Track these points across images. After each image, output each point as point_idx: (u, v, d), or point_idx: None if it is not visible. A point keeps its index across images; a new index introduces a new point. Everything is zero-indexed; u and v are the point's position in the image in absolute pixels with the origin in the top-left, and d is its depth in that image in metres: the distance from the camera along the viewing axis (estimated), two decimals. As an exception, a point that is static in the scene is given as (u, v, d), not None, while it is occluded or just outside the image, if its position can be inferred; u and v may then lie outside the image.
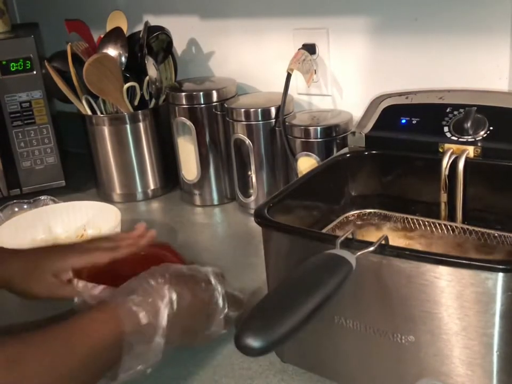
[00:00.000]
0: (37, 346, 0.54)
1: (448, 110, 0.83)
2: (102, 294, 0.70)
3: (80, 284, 0.73)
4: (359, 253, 0.58)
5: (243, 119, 1.10)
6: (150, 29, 1.23)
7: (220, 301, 0.70)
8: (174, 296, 0.65)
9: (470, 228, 0.79)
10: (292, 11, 1.14)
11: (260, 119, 1.09)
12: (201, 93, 1.16)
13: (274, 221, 0.68)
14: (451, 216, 0.81)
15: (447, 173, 0.79)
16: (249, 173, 1.14)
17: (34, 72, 1.25)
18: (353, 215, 0.87)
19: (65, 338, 0.57)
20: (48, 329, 0.57)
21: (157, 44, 1.25)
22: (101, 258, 0.75)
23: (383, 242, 0.58)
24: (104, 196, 1.31)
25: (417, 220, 0.83)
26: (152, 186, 1.30)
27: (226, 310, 0.71)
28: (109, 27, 1.24)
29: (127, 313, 0.61)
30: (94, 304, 0.64)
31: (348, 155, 0.87)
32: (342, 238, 0.59)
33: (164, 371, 0.75)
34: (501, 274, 0.54)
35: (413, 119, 0.85)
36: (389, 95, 0.90)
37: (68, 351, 0.56)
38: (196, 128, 1.17)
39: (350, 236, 0.61)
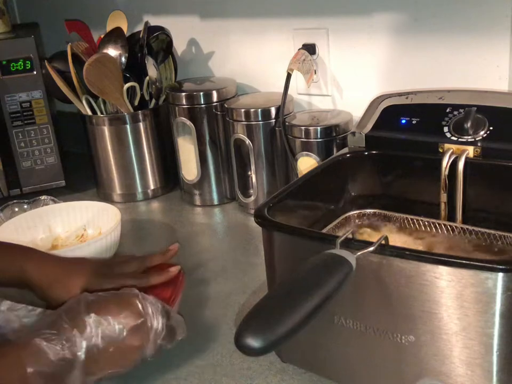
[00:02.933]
0: None
1: (448, 110, 0.83)
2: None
3: None
4: (359, 253, 0.58)
5: (243, 119, 1.10)
6: (150, 29, 1.23)
7: (154, 327, 0.67)
8: (95, 328, 0.62)
9: (470, 227, 0.79)
10: (291, 11, 1.14)
11: (259, 119, 1.09)
12: (201, 93, 1.16)
13: (274, 221, 0.68)
14: (451, 216, 0.81)
15: (447, 173, 0.79)
16: (249, 173, 1.14)
17: (34, 72, 1.25)
18: (353, 215, 0.87)
19: None
20: None
21: (157, 44, 1.25)
22: (127, 284, 0.73)
23: (383, 242, 0.58)
24: (104, 195, 1.31)
25: (417, 220, 0.83)
26: (152, 186, 1.30)
27: (162, 336, 0.68)
28: (109, 27, 1.24)
29: (33, 353, 0.59)
30: None
31: (348, 155, 0.87)
32: (342, 238, 0.59)
33: (163, 371, 0.75)
34: (501, 274, 0.54)
35: (413, 119, 0.85)
36: (389, 95, 0.90)
37: None
38: (195, 128, 1.17)
39: (350, 236, 0.61)
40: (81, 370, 0.61)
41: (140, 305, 0.66)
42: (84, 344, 0.61)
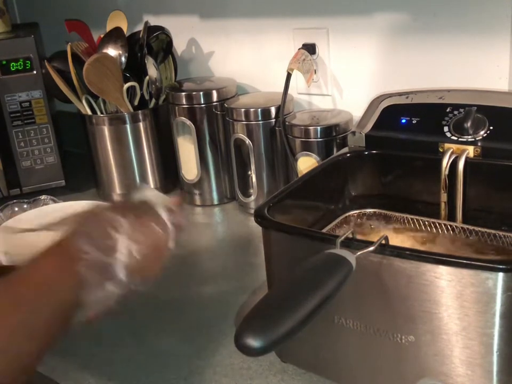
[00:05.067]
0: None
1: (448, 110, 0.83)
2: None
3: None
4: (359, 253, 0.58)
5: (243, 119, 1.10)
6: (150, 29, 1.23)
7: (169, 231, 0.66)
8: (131, 238, 0.61)
9: (470, 227, 0.79)
10: (292, 11, 1.14)
11: (259, 119, 1.09)
12: (201, 93, 1.16)
13: (274, 221, 0.68)
14: (451, 216, 0.81)
15: (447, 172, 0.79)
16: (249, 173, 1.14)
17: (34, 72, 1.25)
18: (353, 215, 0.87)
19: (11, 288, 0.54)
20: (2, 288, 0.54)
21: (157, 44, 1.25)
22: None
23: (383, 242, 0.58)
24: (104, 195, 1.31)
25: (417, 219, 0.83)
26: (152, 186, 1.30)
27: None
28: (109, 27, 1.24)
29: (85, 260, 0.58)
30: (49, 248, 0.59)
31: (347, 155, 0.87)
32: (342, 238, 0.59)
33: (164, 371, 0.75)
34: (501, 274, 0.54)
35: (413, 119, 0.85)
36: (389, 95, 0.90)
37: (24, 314, 0.53)
38: (195, 128, 1.17)
39: (350, 236, 0.61)
40: (123, 272, 0.60)
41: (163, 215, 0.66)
42: (124, 246, 0.60)
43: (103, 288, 0.59)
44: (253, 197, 1.15)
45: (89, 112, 1.25)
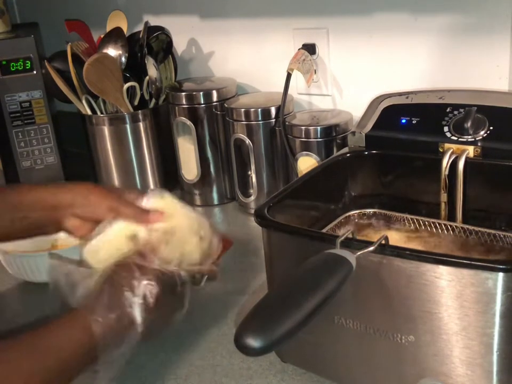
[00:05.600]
0: (7, 359, 0.54)
1: (448, 110, 0.83)
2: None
3: None
4: (359, 253, 0.58)
5: (243, 119, 1.10)
6: (150, 29, 1.23)
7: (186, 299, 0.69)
8: (148, 293, 0.63)
9: (470, 227, 0.79)
10: (292, 11, 1.14)
11: (260, 119, 1.09)
12: (201, 93, 1.16)
13: (274, 221, 0.68)
14: (451, 216, 0.81)
15: (447, 172, 0.79)
16: (249, 173, 1.14)
17: (34, 72, 1.25)
18: (353, 215, 0.87)
19: (35, 352, 0.56)
20: (18, 341, 0.56)
21: (157, 44, 1.25)
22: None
23: (383, 242, 0.58)
24: (104, 195, 1.31)
25: (417, 219, 0.83)
26: (152, 186, 1.30)
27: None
28: (109, 27, 1.24)
29: (98, 321, 0.60)
30: (63, 314, 0.61)
31: (347, 155, 0.87)
32: (342, 238, 0.59)
33: (164, 371, 0.75)
34: (501, 274, 0.54)
35: (413, 119, 0.85)
36: (389, 95, 0.90)
37: (39, 365, 0.56)
38: (195, 128, 1.17)
39: (350, 236, 0.61)
40: (138, 332, 0.62)
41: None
42: (139, 309, 0.62)
43: (118, 350, 0.61)
44: (253, 197, 1.15)
45: (89, 112, 1.25)
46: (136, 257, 0.67)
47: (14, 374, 0.53)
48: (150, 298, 0.63)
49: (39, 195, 0.73)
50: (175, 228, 0.70)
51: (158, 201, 0.72)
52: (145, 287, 0.63)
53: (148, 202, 0.72)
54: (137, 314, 0.62)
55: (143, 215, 0.70)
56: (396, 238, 0.81)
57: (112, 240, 0.69)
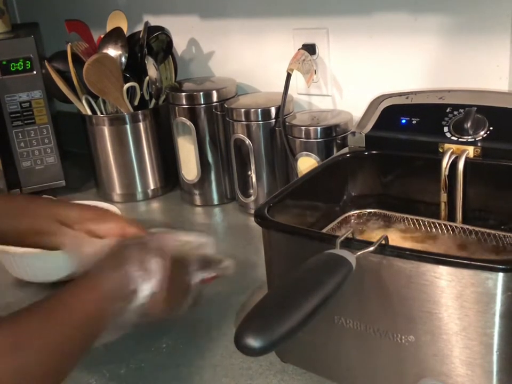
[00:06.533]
0: (30, 326, 0.55)
1: (448, 110, 0.83)
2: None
3: None
4: (359, 253, 0.58)
5: (243, 119, 1.10)
6: (150, 29, 1.23)
7: (194, 278, 0.70)
8: (155, 268, 0.64)
9: (470, 227, 0.79)
10: (292, 11, 1.14)
11: (260, 119, 1.09)
12: (201, 93, 1.16)
13: (274, 221, 0.68)
14: (451, 216, 0.81)
15: (447, 173, 0.79)
16: (249, 173, 1.14)
17: (34, 72, 1.25)
18: (353, 215, 0.87)
19: (51, 317, 0.57)
20: (34, 309, 0.57)
21: (157, 44, 1.25)
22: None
23: (383, 242, 0.58)
24: (104, 195, 1.31)
25: (417, 219, 0.83)
26: (152, 186, 1.30)
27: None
28: (109, 27, 1.24)
29: (109, 286, 0.61)
30: (79, 276, 0.63)
31: (348, 155, 0.87)
32: (342, 238, 0.59)
33: (164, 371, 0.75)
34: (501, 274, 0.54)
35: (413, 119, 0.85)
36: (389, 95, 0.90)
37: (55, 329, 0.56)
38: (196, 128, 1.17)
39: (350, 236, 0.61)
40: (142, 303, 0.63)
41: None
42: (151, 281, 0.63)
43: (125, 315, 0.62)
44: (253, 197, 1.15)
45: (89, 112, 1.25)
46: (149, 238, 0.69)
47: (33, 338, 0.54)
48: (157, 272, 0.63)
49: (47, 206, 0.76)
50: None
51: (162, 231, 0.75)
52: (155, 262, 0.64)
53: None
54: (141, 283, 0.62)
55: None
56: (395, 238, 0.81)
57: None
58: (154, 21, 1.27)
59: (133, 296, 0.62)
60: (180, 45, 1.34)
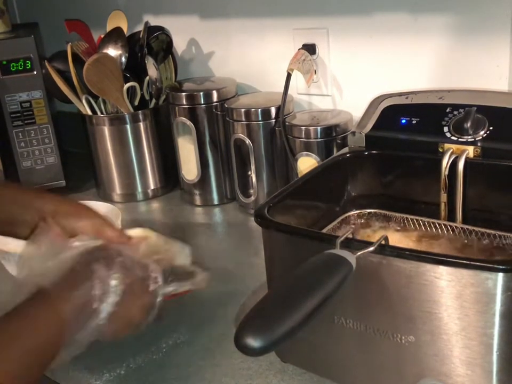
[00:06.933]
0: None
1: (448, 110, 0.83)
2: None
3: None
4: (359, 253, 0.58)
5: (243, 119, 1.10)
6: (150, 29, 1.23)
7: (159, 294, 0.68)
8: (117, 285, 0.63)
9: (470, 227, 0.79)
10: (292, 11, 1.14)
11: (260, 119, 1.09)
12: (201, 93, 1.16)
13: (274, 221, 0.68)
14: (451, 216, 0.81)
15: (447, 173, 0.79)
16: (249, 173, 1.14)
17: (34, 72, 1.25)
18: (353, 215, 0.87)
19: (12, 333, 0.57)
20: None
21: (157, 44, 1.25)
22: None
23: (383, 242, 0.58)
24: (104, 195, 1.31)
25: (417, 220, 0.83)
26: (152, 186, 1.30)
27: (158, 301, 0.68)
28: (109, 27, 1.24)
29: (70, 305, 0.60)
30: (33, 296, 0.61)
31: (348, 155, 0.87)
32: (342, 238, 0.59)
33: (164, 371, 0.75)
34: (501, 274, 0.54)
35: (413, 119, 0.85)
36: (389, 95, 0.90)
37: (14, 353, 0.56)
38: (196, 128, 1.17)
39: (350, 236, 0.61)
40: (103, 322, 0.62)
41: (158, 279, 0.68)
42: (110, 299, 0.62)
43: (86, 330, 0.61)
44: (253, 197, 1.15)
45: (89, 112, 1.25)
46: (109, 249, 0.67)
47: None
48: (119, 291, 0.63)
49: (27, 195, 0.75)
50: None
51: (139, 231, 0.72)
52: (117, 279, 0.63)
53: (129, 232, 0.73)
54: (103, 300, 0.62)
55: (123, 239, 0.70)
56: (395, 238, 0.81)
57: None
58: (154, 21, 1.27)
59: (93, 314, 0.61)
60: (179, 45, 1.34)
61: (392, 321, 0.61)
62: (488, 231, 0.77)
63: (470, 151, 0.79)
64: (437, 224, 0.81)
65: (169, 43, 1.26)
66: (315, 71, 1.13)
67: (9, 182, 1.24)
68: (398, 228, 0.83)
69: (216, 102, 1.16)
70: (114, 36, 1.21)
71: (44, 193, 0.77)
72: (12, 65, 1.23)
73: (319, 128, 1.01)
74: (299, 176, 1.00)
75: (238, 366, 0.75)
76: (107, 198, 1.29)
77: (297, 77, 1.12)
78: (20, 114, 1.26)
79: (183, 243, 0.74)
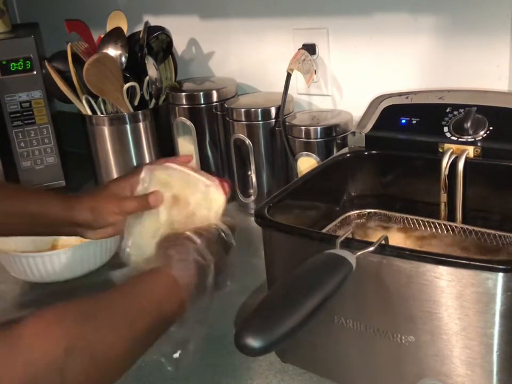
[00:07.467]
0: (108, 304, 0.57)
1: (448, 110, 0.83)
2: None
3: None
4: (359, 253, 0.58)
5: (243, 119, 1.10)
6: (150, 29, 1.23)
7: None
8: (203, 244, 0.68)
9: (470, 227, 0.79)
10: (292, 11, 1.14)
11: (260, 119, 1.09)
12: (201, 93, 1.16)
13: (274, 221, 0.68)
14: (451, 216, 0.81)
15: (447, 173, 0.79)
16: (249, 173, 1.14)
17: (34, 72, 1.25)
18: (353, 215, 0.87)
19: (135, 300, 0.59)
20: (119, 290, 0.60)
21: (157, 44, 1.25)
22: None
23: (383, 242, 0.58)
24: (104, 195, 1.31)
25: (417, 220, 0.83)
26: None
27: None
28: (109, 27, 1.24)
29: (183, 275, 0.64)
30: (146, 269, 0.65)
31: (348, 155, 0.87)
32: (342, 238, 0.59)
33: (164, 371, 0.75)
34: (501, 274, 0.54)
35: (413, 119, 0.85)
36: (389, 95, 0.90)
37: (137, 313, 0.58)
38: (196, 128, 1.17)
39: (350, 236, 0.61)
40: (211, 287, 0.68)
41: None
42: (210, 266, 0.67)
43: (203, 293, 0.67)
44: (253, 197, 1.15)
45: (89, 112, 1.25)
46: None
47: (119, 318, 0.56)
48: (206, 250, 0.67)
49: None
50: (177, 195, 0.74)
51: (153, 178, 0.75)
52: (200, 244, 0.67)
53: (143, 185, 0.76)
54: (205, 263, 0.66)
55: (144, 203, 0.74)
56: (395, 238, 0.81)
57: (146, 233, 0.74)
58: (154, 21, 1.27)
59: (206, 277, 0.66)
60: (179, 45, 1.34)
61: (392, 321, 0.61)
62: (488, 231, 0.77)
63: (470, 151, 0.79)
64: (437, 224, 0.81)
65: (169, 43, 1.26)
66: (315, 71, 1.13)
67: (9, 182, 1.24)
68: (398, 228, 0.83)
69: (216, 102, 1.16)
70: (114, 36, 1.21)
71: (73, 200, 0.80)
72: (11, 65, 1.23)
73: (319, 128, 1.01)
74: (299, 176, 1.00)
75: (238, 366, 0.75)
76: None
77: (297, 77, 1.12)
78: (19, 114, 1.26)
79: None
